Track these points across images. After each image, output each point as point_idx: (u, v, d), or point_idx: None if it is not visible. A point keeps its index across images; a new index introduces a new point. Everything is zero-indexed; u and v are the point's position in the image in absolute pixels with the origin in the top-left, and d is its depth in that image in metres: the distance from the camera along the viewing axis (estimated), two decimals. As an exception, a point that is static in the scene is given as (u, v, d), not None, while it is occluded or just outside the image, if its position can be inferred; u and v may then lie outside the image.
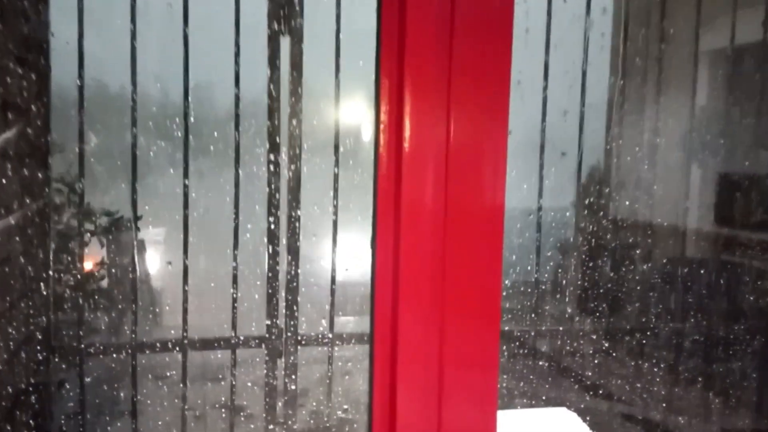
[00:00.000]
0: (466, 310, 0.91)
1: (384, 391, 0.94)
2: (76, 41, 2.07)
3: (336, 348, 2.62)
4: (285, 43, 2.24)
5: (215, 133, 2.51)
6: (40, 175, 2.29)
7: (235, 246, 2.33)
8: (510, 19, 0.86)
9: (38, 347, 2.39)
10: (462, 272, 0.89)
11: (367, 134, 2.47)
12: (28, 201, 2.24)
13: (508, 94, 0.88)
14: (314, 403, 2.65)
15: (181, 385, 2.41)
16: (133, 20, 2.12)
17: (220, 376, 2.82)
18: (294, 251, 2.39)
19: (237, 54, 2.21)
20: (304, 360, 2.66)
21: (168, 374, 2.77)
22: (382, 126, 0.89)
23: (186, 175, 2.23)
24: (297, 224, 2.36)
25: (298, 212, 2.34)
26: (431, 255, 0.88)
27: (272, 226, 2.36)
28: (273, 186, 2.32)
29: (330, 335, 2.60)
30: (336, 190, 2.36)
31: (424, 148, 0.86)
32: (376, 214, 0.91)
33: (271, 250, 2.40)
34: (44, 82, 2.23)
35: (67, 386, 2.53)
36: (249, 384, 2.67)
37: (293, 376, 2.51)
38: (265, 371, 2.47)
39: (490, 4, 0.85)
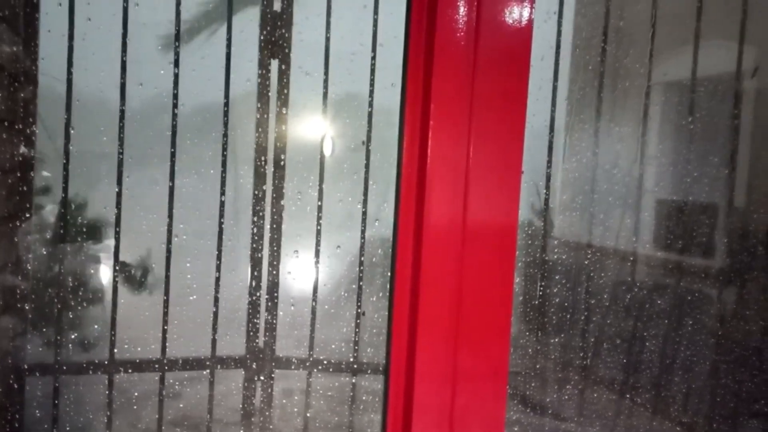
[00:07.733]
0: (479, 333, 0.94)
1: (398, 418, 0.96)
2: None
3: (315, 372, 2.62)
4: (274, 66, 2.27)
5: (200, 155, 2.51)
6: (24, 186, 2.25)
7: (218, 258, 2.32)
8: (527, 59, 0.91)
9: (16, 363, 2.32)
10: (477, 296, 0.93)
11: (349, 155, 2.51)
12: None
13: (524, 123, 0.92)
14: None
15: (158, 401, 2.38)
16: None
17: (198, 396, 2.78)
18: (275, 270, 2.40)
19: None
20: (285, 382, 2.65)
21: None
22: (405, 150, 0.92)
23: (171, 200, 2.22)
24: (278, 241, 2.37)
25: (282, 226, 2.35)
26: (450, 274, 0.92)
27: (255, 248, 2.37)
28: (258, 201, 2.34)
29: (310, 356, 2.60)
30: (320, 208, 2.38)
31: (445, 172, 0.90)
32: (396, 234, 0.94)
33: (252, 269, 2.40)
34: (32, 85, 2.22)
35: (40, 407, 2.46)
36: (228, 406, 2.65)
37: (272, 399, 2.49)
38: (243, 393, 2.45)
39: (511, 45, 0.90)
